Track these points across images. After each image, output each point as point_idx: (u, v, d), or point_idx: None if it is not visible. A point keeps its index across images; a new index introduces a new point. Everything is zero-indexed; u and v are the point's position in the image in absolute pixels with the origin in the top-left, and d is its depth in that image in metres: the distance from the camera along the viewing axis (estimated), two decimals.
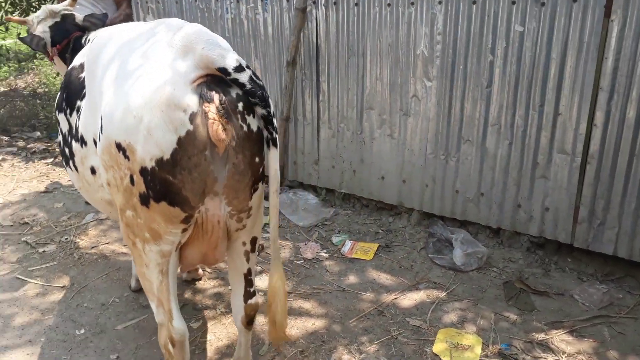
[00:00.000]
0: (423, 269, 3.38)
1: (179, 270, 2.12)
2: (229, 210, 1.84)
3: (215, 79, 1.66)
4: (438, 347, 2.67)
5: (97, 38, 2.24)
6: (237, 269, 2.11)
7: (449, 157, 3.53)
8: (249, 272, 2.13)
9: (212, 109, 1.61)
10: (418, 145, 3.63)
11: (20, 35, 3.59)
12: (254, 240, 2.07)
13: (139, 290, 3.13)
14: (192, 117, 1.61)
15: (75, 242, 3.68)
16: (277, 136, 1.78)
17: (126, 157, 1.69)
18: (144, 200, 1.71)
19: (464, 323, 2.84)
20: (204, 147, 1.64)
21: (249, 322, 2.21)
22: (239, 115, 1.68)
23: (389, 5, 3.46)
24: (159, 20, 2.00)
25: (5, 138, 5.93)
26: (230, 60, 1.66)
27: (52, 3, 4.99)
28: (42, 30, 3.01)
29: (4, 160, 5.31)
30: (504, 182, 3.39)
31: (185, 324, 1.98)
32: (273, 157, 1.78)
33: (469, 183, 3.50)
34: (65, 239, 3.73)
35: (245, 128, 1.70)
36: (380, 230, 3.84)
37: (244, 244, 2.05)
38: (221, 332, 2.81)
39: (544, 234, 3.34)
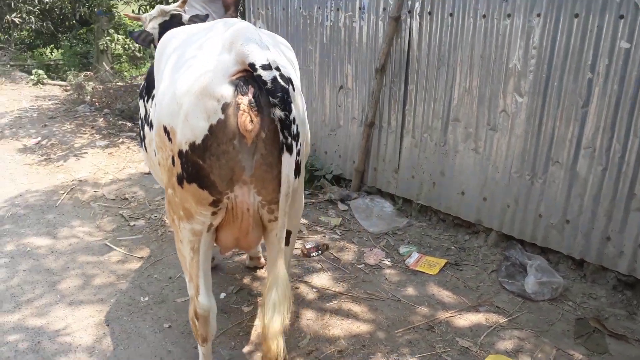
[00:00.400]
0: (489, 291, 3.17)
1: (219, 251, 2.23)
2: (260, 200, 1.89)
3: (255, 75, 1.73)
4: None
5: (169, 33, 2.38)
6: (272, 258, 2.17)
7: (534, 178, 3.29)
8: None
9: (244, 101, 1.69)
10: (503, 162, 3.43)
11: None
12: (288, 234, 2.10)
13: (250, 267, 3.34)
14: (224, 107, 1.70)
15: (162, 220, 4.02)
16: (292, 142, 1.75)
17: (170, 139, 1.83)
18: (180, 181, 1.83)
19: (519, 353, 2.63)
20: (233, 136, 1.72)
21: None
22: (270, 110, 1.73)
23: (484, 16, 3.34)
24: (221, 19, 2.14)
25: (129, 124, 6.66)
26: (260, 57, 1.71)
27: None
28: (152, 27, 3.28)
29: (122, 142, 5.97)
30: (592, 211, 3.08)
31: (212, 301, 2.07)
32: (285, 162, 1.76)
33: (554, 208, 3.23)
34: (155, 216, 4.09)
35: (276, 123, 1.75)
36: (452, 247, 3.68)
37: (276, 235, 2.09)
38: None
39: (635, 273, 2.97)
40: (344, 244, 3.72)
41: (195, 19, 3.28)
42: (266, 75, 1.69)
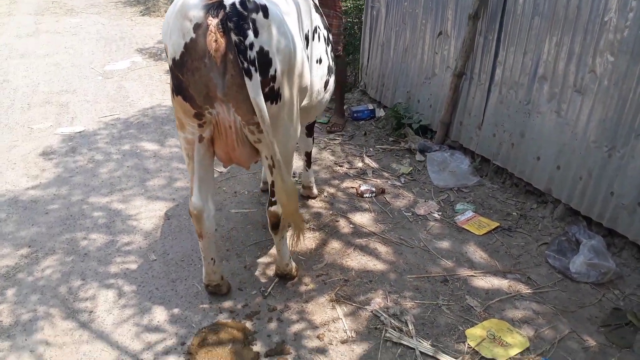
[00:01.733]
0: (529, 263, 2.97)
1: (222, 165, 2.47)
2: (240, 120, 2.07)
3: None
4: (474, 331, 2.44)
5: None
6: (268, 177, 2.36)
7: (613, 151, 2.91)
8: (272, 184, 2.34)
9: (213, 23, 1.85)
10: (583, 129, 3.07)
11: None
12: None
13: (264, 190, 3.66)
14: (195, 27, 1.88)
15: None
16: (250, 67, 1.84)
17: (166, 55, 2.08)
18: (172, 92, 2.10)
19: (524, 324, 2.49)
20: (203, 54, 1.89)
21: (272, 226, 2.47)
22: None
23: None
24: None
25: None
26: None
27: None
28: None
29: None
30: None
31: (205, 203, 2.32)
32: (248, 85, 1.87)
33: (629, 187, 2.84)
34: None
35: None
36: (514, 213, 3.45)
37: (267, 158, 2.25)
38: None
39: None
40: (401, 192, 3.73)
41: None
42: (226, 1, 1.83)
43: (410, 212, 3.47)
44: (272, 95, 2.02)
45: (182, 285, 2.72)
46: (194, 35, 1.90)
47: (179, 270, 2.84)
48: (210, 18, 1.87)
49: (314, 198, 3.60)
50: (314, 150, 4.30)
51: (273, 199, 2.39)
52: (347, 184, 3.82)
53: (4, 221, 3.20)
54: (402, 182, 3.87)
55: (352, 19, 6.95)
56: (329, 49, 2.70)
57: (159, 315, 2.52)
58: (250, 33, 1.84)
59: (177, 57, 1.97)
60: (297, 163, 3.88)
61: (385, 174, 3.98)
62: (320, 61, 2.53)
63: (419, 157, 4.19)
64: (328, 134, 4.65)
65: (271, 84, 1.99)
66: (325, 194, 3.67)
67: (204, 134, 2.17)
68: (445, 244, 3.14)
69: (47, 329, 2.40)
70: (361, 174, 3.96)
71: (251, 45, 1.84)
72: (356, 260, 2.97)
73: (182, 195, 3.61)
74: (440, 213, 3.47)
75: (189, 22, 1.90)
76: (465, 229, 3.29)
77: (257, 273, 2.84)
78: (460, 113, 4.06)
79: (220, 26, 1.85)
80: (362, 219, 3.38)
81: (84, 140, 4.38)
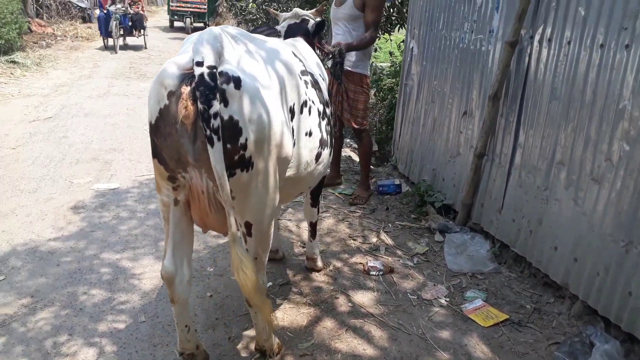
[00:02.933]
0: None
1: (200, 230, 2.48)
2: (212, 186, 2.10)
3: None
4: None
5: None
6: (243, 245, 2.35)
7: (630, 247, 2.67)
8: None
9: (185, 92, 1.94)
10: (599, 221, 2.86)
11: None
12: (247, 225, 2.24)
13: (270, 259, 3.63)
14: (169, 95, 1.98)
15: None
16: (212, 135, 1.88)
17: None
18: (151, 154, 2.19)
19: None
20: (175, 120, 1.97)
21: (246, 298, 2.42)
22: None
23: (601, 46, 2.84)
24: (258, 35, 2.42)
25: None
26: (198, 55, 1.93)
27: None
28: (282, 26, 3.51)
29: None
30: None
31: (178, 268, 2.29)
32: (210, 153, 1.91)
33: None
34: None
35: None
36: (528, 306, 3.20)
37: (240, 225, 2.25)
38: (290, 313, 3.04)
39: None
40: (411, 272, 3.58)
41: (316, 27, 3.44)
42: (196, 71, 1.91)
43: (416, 295, 3.31)
44: (243, 163, 2.05)
45: (161, 351, 2.69)
46: (167, 102, 1.99)
47: (163, 334, 2.82)
48: (184, 87, 1.96)
49: (317, 271, 3.52)
50: (331, 221, 4.27)
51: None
52: (356, 259, 3.72)
53: (17, 269, 3.36)
54: (415, 262, 3.73)
55: (389, 96, 7.08)
56: (324, 123, 2.73)
57: None
58: (216, 103, 1.90)
59: (153, 122, 2.06)
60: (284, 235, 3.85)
61: (399, 252, 3.85)
62: (310, 134, 2.55)
63: (438, 237, 4.04)
64: (350, 205, 4.62)
65: (241, 152, 2.03)
66: (331, 267, 3.59)
67: (178, 197, 2.22)
68: (445, 334, 2.94)
69: None
70: (373, 250, 3.86)
71: (215, 115, 1.89)
72: (346, 343, 2.83)
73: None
74: (447, 299, 3.28)
75: (164, 89, 2.00)
76: (471, 319, 3.08)
77: (239, 346, 2.77)
78: (482, 194, 3.91)
79: (191, 95, 1.93)
80: (363, 298, 3.26)
81: (115, 197, 4.60)
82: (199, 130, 1.98)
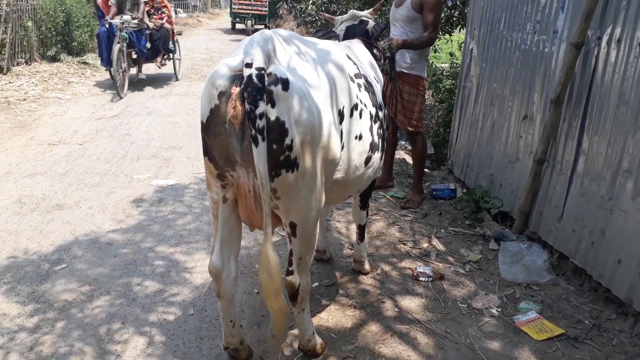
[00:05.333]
0: None
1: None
2: (259, 185, 2.12)
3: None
4: None
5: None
6: (288, 245, 2.36)
7: None
8: (291, 252, 2.33)
9: (235, 92, 1.97)
10: None
11: None
12: (292, 225, 2.24)
13: (318, 259, 3.63)
14: (220, 95, 2.02)
15: None
16: (257, 135, 1.91)
17: None
18: (203, 152, 2.23)
19: None
20: (224, 120, 2.01)
21: (289, 297, 2.42)
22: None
23: None
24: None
25: None
26: (247, 56, 1.96)
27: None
28: (340, 28, 3.50)
29: None
30: None
31: (225, 264, 2.35)
32: (254, 153, 1.93)
33: None
34: None
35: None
36: (587, 322, 3.02)
37: (285, 225, 2.27)
38: (335, 315, 3.02)
39: None
40: (463, 280, 3.47)
41: (376, 27, 3.38)
42: (245, 72, 1.94)
43: (466, 304, 3.21)
44: (288, 164, 2.06)
45: (207, 344, 2.75)
46: (217, 102, 2.03)
47: (210, 328, 2.88)
48: (234, 87, 1.99)
49: (365, 274, 3.48)
50: (381, 224, 4.21)
51: (290, 268, 2.37)
52: (405, 264, 3.65)
53: (79, 258, 3.53)
54: (467, 270, 3.61)
55: (448, 98, 6.92)
56: (376, 126, 2.69)
57: None
58: (262, 104, 1.92)
59: (205, 121, 2.11)
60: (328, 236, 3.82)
61: (450, 259, 3.75)
62: (360, 137, 2.52)
63: (492, 245, 3.90)
64: (401, 209, 4.54)
65: (287, 153, 2.03)
66: (379, 271, 3.54)
67: (227, 195, 2.26)
68: (495, 345, 2.83)
69: None
70: (424, 256, 3.77)
71: (261, 115, 1.92)
72: (390, 348, 2.79)
73: (240, 254, 3.70)
74: (499, 309, 3.16)
75: (215, 90, 2.04)
76: (524, 331, 2.94)
77: (283, 344, 2.78)
78: (541, 202, 3.74)
79: (240, 95, 1.96)
80: (411, 303, 3.19)
81: (173, 193, 4.75)
82: (246, 130, 2.00)
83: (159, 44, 9.39)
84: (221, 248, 2.37)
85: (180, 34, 11.36)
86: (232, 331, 2.52)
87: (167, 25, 9.69)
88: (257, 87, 1.92)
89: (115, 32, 8.44)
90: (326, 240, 3.64)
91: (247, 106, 1.92)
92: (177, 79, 10.41)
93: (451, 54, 8.61)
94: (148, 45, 9.15)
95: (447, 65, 8.63)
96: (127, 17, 8.67)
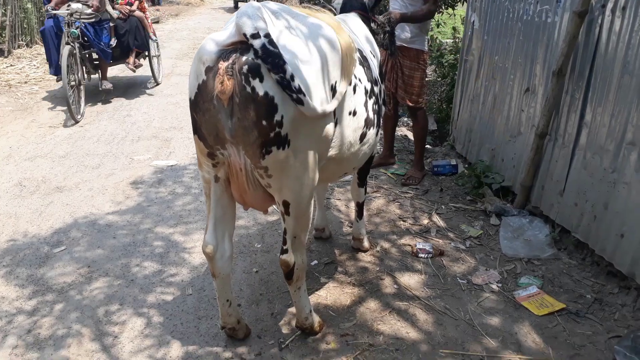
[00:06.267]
0: (592, 357, 2.54)
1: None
2: (250, 163, 2.09)
3: (248, 45, 1.93)
4: None
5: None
6: (282, 223, 2.33)
7: None
8: (285, 231, 2.30)
9: (222, 67, 1.91)
10: None
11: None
12: (285, 204, 2.21)
13: (317, 237, 3.61)
14: (207, 70, 1.97)
15: None
16: (300, 97, 1.93)
17: None
18: (193, 131, 2.19)
19: None
20: (212, 96, 1.96)
21: (285, 276, 2.40)
22: (242, 77, 1.89)
23: None
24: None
25: None
26: (248, 27, 1.89)
27: None
28: (337, 2, 3.38)
29: None
30: None
31: (219, 243, 2.33)
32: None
33: None
34: None
35: (248, 89, 1.90)
36: (588, 295, 2.99)
37: (278, 204, 2.23)
38: (333, 292, 3.01)
39: None
40: (463, 256, 3.44)
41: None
42: (256, 44, 1.88)
43: (466, 280, 3.18)
44: (279, 141, 2.01)
45: (205, 324, 2.75)
46: (205, 78, 1.99)
47: (208, 308, 2.87)
48: (221, 62, 1.94)
49: (364, 251, 3.46)
50: (381, 202, 4.18)
51: (285, 247, 2.34)
52: (405, 240, 3.62)
53: (77, 240, 3.53)
54: (467, 245, 3.58)
55: (450, 73, 6.81)
56: (371, 102, 2.62)
57: (174, 350, 2.56)
58: (288, 67, 1.90)
59: (193, 97, 2.07)
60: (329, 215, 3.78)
61: (451, 235, 3.71)
62: (354, 113, 2.47)
63: (493, 220, 3.85)
64: (402, 186, 4.49)
65: (277, 129, 1.99)
66: (379, 248, 3.51)
67: (218, 174, 2.23)
68: (494, 320, 2.81)
69: (73, 347, 2.56)
70: (424, 232, 3.74)
71: (292, 77, 1.91)
72: (389, 325, 2.77)
73: (239, 234, 3.69)
74: (500, 284, 3.13)
75: (202, 65, 1.99)
76: (524, 307, 2.92)
77: (281, 322, 2.78)
78: (542, 176, 3.68)
79: (229, 69, 1.91)
80: (410, 280, 3.17)
81: (172, 174, 4.72)
82: (235, 106, 1.95)
83: (129, 39, 7.09)
84: (215, 227, 2.34)
85: (157, 22, 9.11)
86: (229, 310, 2.51)
87: (138, 13, 7.35)
88: (276, 54, 1.89)
89: (62, 24, 6.25)
90: (325, 218, 3.61)
91: (274, 77, 1.89)
92: (156, 82, 8.05)
93: (454, 29, 8.42)
94: (113, 41, 6.87)
95: (450, 40, 8.46)
96: (76, 5, 6.29)
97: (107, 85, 6.95)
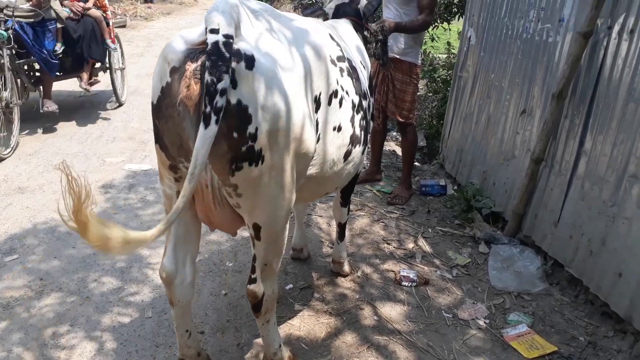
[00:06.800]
0: None
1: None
2: (218, 180, 1.84)
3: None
4: None
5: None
6: (252, 249, 2.08)
7: None
8: (254, 257, 2.05)
9: (190, 68, 1.66)
10: None
11: None
12: (256, 227, 1.95)
13: (294, 258, 3.36)
14: (172, 71, 1.70)
15: None
16: (211, 114, 1.59)
17: None
18: (154, 139, 1.93)
19: None
20: (176, 102, 1.70)
21: (252, 307, 2.15)
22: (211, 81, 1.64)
23: None
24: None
25: None
26: (213, 22, 1.64)
27: None
28: (330, 7, 3.17)
29: None
30: None
31: (179, 268, 2.06)
32: (200, 135, 1.60)
33: None
34: None
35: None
36: (581, 338, 2.77)
37: (248, 227, 1.99)
38: (308, 322, 2.76)
39: None
40: (449, 286, 3.21)
41: (368, 7, 3.07)
42: (210, 38, 1.62)
43: (451, 314, 2.95)
44: (252, 156, 1.76)
45: (163, 353, 2.48)
46: (169, 79, 1.72)
47: (168, 334, 2.60)
48: (189, 63, 1.68)
49: (344, 276, 3.21)
50: (365, 221, 3.94)
51: (253, 275, 2.09)
52: (388, 265, 3.39)
53: (33, 249, 3.24)
54: (454, 274, 3.35)
55: (443, 89, 6.63)
56: (358, 117, 2.40)
57: None
58: (227, 77, 1.60)
59: (155, 102, 1.81)
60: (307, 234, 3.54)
61: (437, 262, 3.48)
62: (339, 129, 2.23)
63: (482, 248, 3.64)
64: (388, 205, 4.26)
65: (250, 143, 1.74)
66: (360, 273, 3.27)
67: (181, 189, 1.96)
68: None
69: None
70: (408, 257, 3.51)
71: (223, 92, 1.60)
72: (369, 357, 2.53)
73: (210, 249, 3.43)
74: (487, 321, 2.90)
75: (168, 65, 1.74)
76: (512, 347, 2.69)
77: (248, 355, 2.52)
78: (536, 204, 3.47)
79: (197, 72, 1.66)
80: (392, 311, 2.93)
81: (145, 179, 4.44)
82: (202, 114, 1.71)
83: (83, 47, 5.51)
84: (174, 249, 2.08)
85: (124, 26, 7.16)
86: (188, 342, 2.25)
87: (94, 13, 5.69)
88: (224, 57, 1.61)
89: None
90: (304, 237, 3.36)
91: (207, 78, 1.60)
92: (119, 104, 6.35)
93: (449, 44, 8.25)
94: (59, 48, 5.25)
95: (444, 55, 8.29)
96: None
97: (51, 106, 5.32)
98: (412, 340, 2.70)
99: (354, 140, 2.38)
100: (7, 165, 4.44)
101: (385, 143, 5.45)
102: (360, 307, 2.94)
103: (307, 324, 2.77)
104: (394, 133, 6.30)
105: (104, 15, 5.95)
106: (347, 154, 2.36)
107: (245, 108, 1.70)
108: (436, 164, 5.18)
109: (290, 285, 3.09)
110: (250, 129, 1.73)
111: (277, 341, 2.33)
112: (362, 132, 2.49)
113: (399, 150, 5.69)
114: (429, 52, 8.44)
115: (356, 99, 2.40)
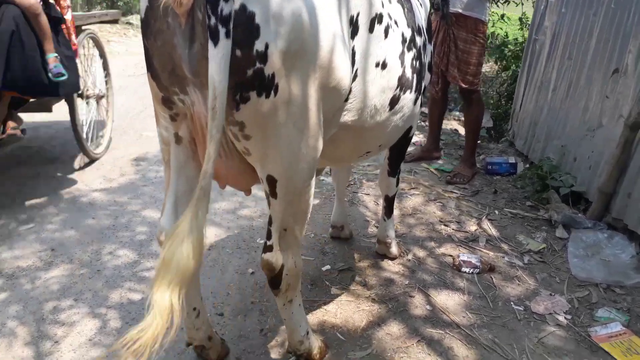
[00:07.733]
0: None
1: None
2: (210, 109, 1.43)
3: None
4: None
5: None
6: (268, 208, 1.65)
7: None
8: (270, 220, 1.63)
9: None
10: None
11: None
12: (270, 181, 1.53)
13: (334, 237, 2.92)
14: None
15: None
16: (217, 26, 1.21)
17: None
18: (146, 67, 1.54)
19: None
20: (167, 12, 1.31)
21: (269, 283, 1.73)
22: None
23: None
24: None
25: None
26: None
27: None
28: None
29: None
30: None
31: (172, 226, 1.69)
32: (210, 55, 1.24)
33: None
34: None
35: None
36: None
37: (262, 180, 1.56)
38: (346, 309, 2.32)
39: None
40: (520, 274, 2.67)
41: None
42: None
43: (523, 307, 2.41)
44: (261, 84, 1.34)
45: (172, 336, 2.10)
46: None
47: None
48: None
49: (391, 259, 2.74)
50: (419, 200, 3.44)
51: (269, 242, 1.66)
52: (445, 249, 2.88)
53: (50, 218, 2.98)
54: (525, 261, 2.80)
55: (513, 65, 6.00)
56: (409, 55, 1.92)
57: None
58: None
59: (143, 16, 1.42)
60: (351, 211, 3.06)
61: (504, 247, 2.94)
62: (383, 65, 1.76)
63: (560, 232, 3.05)
64: (447, 184, 3.73)
65: (258, 65, 1.31)
66: (410, 256, 2.78)
67: (179, 131, 1.57)
68: None
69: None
70: (470, 241, 2.98)
71: None
72: (414, 358, 2.05)
73: (241, 225, 3.05)
74: (569, 316, 2.34)
75: None
76: (604, 350, 2.13)
77: (272, 342, 2.11)
78: (630, 181, 2.85)
79: None
80: (448, 300, 2.43)
81: None
82: (197, 26, 1.30)
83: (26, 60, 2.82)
84: (174, 207, 1.68)
85: (116, 22, 5.88)
86: (196, 322, 1.86)
87: (28, 2, 2.82)
88: None
89: None
90: (345, 214, 2.92)
91: None
92: (90, 158, 3.74)
93: (521, 20, 7.47)
94: None
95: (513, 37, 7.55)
96: None
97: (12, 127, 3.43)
98: (473, 335, 2.19)
99: (403, 84, 1.91)
100: (42, 137, 4.27)
101: (446, 122, 4.91)
102: (410, 294, 2.46)
103: (345, 310, 2.32)
104: (457, 112, 5.72)
105: (66, 13, 3.31)
106: (394, 101, 1.89)
107: (251, 16, 1.28)
108: (505, 141, 4.58)
109: (328, 267, 2.65)
110: (258, 46, 1.30)
111: (303, 327, 1.90)
112: (415, 76, 2.01)
113: (461, 130, 5.12)
114: (497, 33, 7.71)
115: (407, 32, 1.92)
